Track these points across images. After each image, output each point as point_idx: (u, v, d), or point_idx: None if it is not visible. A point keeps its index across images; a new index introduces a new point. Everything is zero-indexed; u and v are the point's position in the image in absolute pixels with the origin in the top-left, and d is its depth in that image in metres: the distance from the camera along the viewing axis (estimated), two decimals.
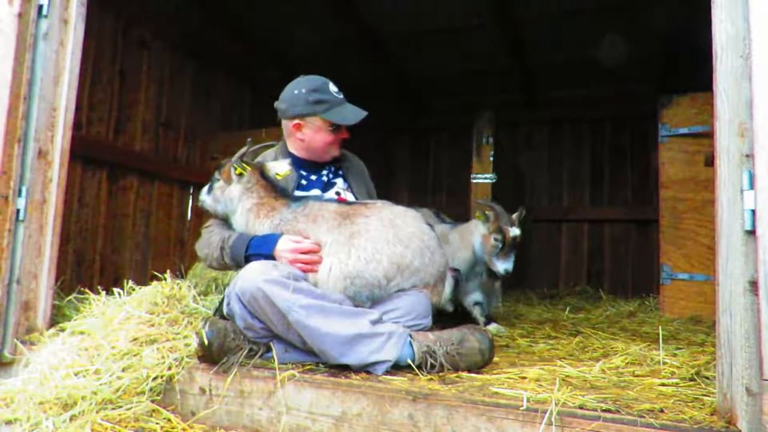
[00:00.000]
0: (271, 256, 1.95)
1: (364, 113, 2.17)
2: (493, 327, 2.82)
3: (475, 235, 2.95)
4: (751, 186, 1.34)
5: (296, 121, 2.19)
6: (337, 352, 1.73)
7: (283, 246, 1.95)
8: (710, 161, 1.67)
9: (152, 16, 3.90)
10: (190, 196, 4.26)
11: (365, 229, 1.92)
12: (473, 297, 3.03)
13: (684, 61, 4.60)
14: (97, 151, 3.46)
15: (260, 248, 1.98)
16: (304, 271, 1.93)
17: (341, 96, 2.20)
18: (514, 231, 2.85)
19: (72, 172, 3.08)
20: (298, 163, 2.27)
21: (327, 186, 2.28)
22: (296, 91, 2.17)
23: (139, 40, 3.82)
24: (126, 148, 3.71)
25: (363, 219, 1.95)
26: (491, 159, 3.85)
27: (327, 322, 1.73)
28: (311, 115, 2.16)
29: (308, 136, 2.20)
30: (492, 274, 2.97)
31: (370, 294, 1.90)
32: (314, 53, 4.90)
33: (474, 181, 3.88)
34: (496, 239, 2.82)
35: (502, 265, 2.82)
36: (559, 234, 5.90)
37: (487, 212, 2.89)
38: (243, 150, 2.14)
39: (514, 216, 2.92)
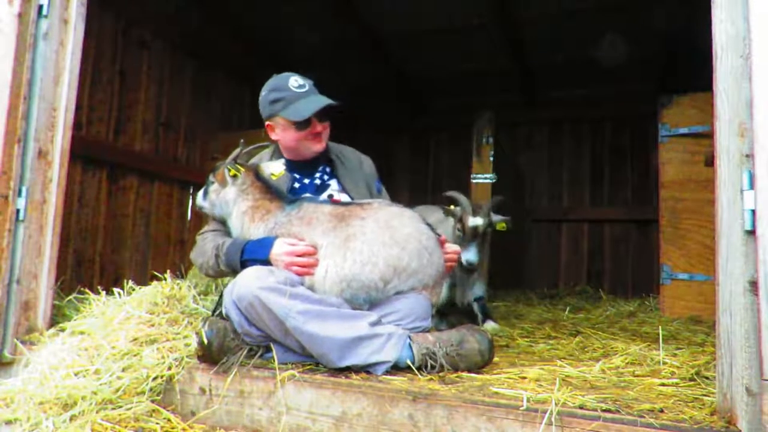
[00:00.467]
0: (266, 261, 1.92)
1: (322, 103, 2.08)
2: (489, 325, 2.81)
3: (452, 228, 2.93)
4: (751, 186, 1.34)
5: (267, 123, 2.19)
6: (337, 356, 1.72)
7: (278, 249, 1.92)
8: (710, 161, 1.67)
9: (152, 16, 3.90)
10: (190, 196, 4.26)
11: (361, 232, 1.90)
12: (474, 292, 3.01)
13: (684, 61, 4.60)
14: (97, 151, 3.46)
15: (256, 253, 1.95)
16: (300, 275, 1.90)
17: (304, 89, 2.10)
18: (474, 221, 2.77)
19: (72, 172, 3.08)
20: (288, 164, 2.23)
21: (320, 189, 2.24)
22: (263, 93, 2.16)
23: (139, 40, 3.82)
24: (126, 148, 3.71)
25: (358, 221, 1.93)
26: (491, 159, 3.85)
27: (325, 327, 1.72)
28: (274, 115, 2.14)
29: (280, 136, 2.19)
30: (463, 267, 2.84)
31: (367, 297, 1.89)
32: (314, 53, 4.90)
33: (474, 181, 3.88)
34: (458, 230, 2.80)
35: (464, 256, 2.71)
36: (559, 234, 5.90)
37: (458, 204, 2.87)
38: (236, 151, 2.10)
39: (486, 205, 2.87)
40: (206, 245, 2.11)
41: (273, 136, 2.21)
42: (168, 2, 4.06)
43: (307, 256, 1.91)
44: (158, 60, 3.99)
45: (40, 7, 2.14)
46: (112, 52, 3.59)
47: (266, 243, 1.95)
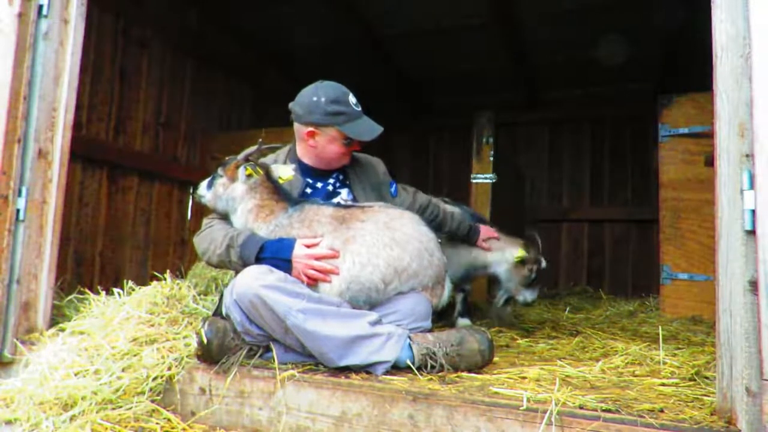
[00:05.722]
0: (288, 262, 1.90)
1: (380, 129, 2.14)
2: (463, 321, 2.85)
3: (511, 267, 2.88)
4: (751, 186, 1.34)
5: (310, 129, 2.13)
6: (336, 355, 1.72)
7: (298, 251, 1.91)
8: (710, 161, 1.67)
9: (152, 16, 3.91)
10: (190, 196, 4.26)
11: (361, 234, 1.91)
12: (467, 286, 3.02)
13: (684, 61, 4.60)
14: (97, 151, 3.46)
15: (278, 253, 1.92)
16: (317, 280, 1.89)
17: (359, 109, 2.15)
18: (544, 262, 2.79)
19: (72, 172, 3.08)
20: (304, 169, 2.23)
21: (331, 195, 2.23)
22: (315, 98, 2.10)
23: (139, 40, 3.82)
24: (126, 148, 3.71)
25: (359, 223, 1.94)
26: (491, 159, 3.86)
27: (325, 325, 1.72)
28: (327, 125, 2.11)
29: (320, 144, 2.15)
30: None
31: (367, 298, 1.89)
32: (314, 53, 4.90)
33: (474, 181, 3.88)
34: (530, 270, 2.76)
35: (529, 296, 2.79)
36: (559, 234, 5.90)
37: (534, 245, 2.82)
38: (252, 149, 2.09)
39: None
40: (216, 233, 2.06)
41: (310, 142, 2.15)
42: (168, 2, 4.06)
43: (326, 260, 1.89)
44: (158, 60, 3.99)
45: (40, 7, 2.14)
46: (112, 52, 3.59)
47: (287, 244, 1.93)
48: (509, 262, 2.75)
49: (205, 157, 4.39)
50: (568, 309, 3.67)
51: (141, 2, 3.81)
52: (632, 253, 5.58)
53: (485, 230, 2.81)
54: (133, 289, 2.26)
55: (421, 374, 1.71)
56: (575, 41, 4.58)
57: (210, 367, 1.79)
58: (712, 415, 1.39)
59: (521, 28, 4.47)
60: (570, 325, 3.03)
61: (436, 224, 2.53)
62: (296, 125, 2.19)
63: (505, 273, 2.78)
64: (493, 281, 3.02)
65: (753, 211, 1.33)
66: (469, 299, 3.07)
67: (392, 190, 2.38)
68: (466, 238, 2.76)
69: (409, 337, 1.79)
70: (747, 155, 1.36)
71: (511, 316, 3.02)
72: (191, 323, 2.10)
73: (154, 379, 1.77)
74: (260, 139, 2.14)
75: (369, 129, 2.14)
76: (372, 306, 1.90)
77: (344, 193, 2.26)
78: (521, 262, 2.71)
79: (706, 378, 1.71)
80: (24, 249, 2.09)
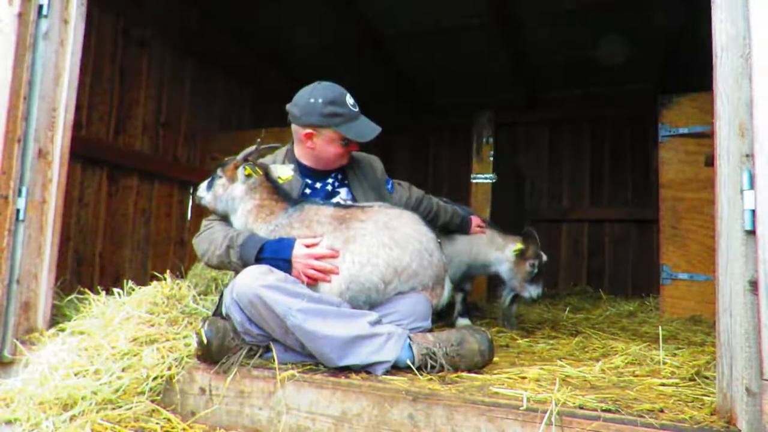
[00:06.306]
0: (287, 261, 1.91)
1: (378, 129, 2.13)
2: (462, 321, 2.88)
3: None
4: (751, 186, 1.34)
5: (308, 130, 2.12)
6: (336, 355, 1.72)
7: (298, 251, 1.91)
8: (710, 161, 1.67)
9: (152, 16, 3.90)
10: (190, 196, 4.26)
11: (361, 234, 1.91)
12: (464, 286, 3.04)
13: (684, 61, 4.60)
14: (97, 151, 3.46)
15: (277, 253, 1.92)
16: (317, 280, 1.89)
17: (357, 109, 2.14)
18: (544, 256, 2.81)
19: (72, 172, 3.08)
20: (303, 169, 2.23)
21: (330, 195, 2.23)
22: (312, 100, 2.09)
23: (139, 40, 3.82)
24: (126, 148, 3.71)
25: (359, 223, 1.94)
26: (491, 159, 3.86)
27: (325, 325, 1.72)
28: (325, 126, 2.10)
29: (318, 145, 2.14)
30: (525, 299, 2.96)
31: (367, 299, 1.89)
32: (314, 53, 4.90)
33: (474, 181, 3.88)
34: (531, 266, 2.78)
35: (534, 291, 2.80)
36: (559, 234, 5.90)
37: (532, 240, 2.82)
38: (251, 149, 2.09)
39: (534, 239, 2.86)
40: (216, 234, 2.06)
41: (308, 143, 2.15)
42: (168, 2, 4.06)
43: (326, 259, 1.90)
44: (158, 60, 3.99)
45: (40, 7, 2.14)
46: (112, 52, 3.59)
47: (287, 244, 1.94)
48: (510, 260, 2.77)
49: (205, 157, 4.39)
50: (568, 309, 3.68)
51: (141, 2, 3.81)
52: (632, 253, 5.58)
53: (475, 219, 2.86)
54: (133, 289, 2.26)
55: (421, 374, 1.71)
56: (575, 41, 4.58)
57: (210, 367, 1.79)
58: (712, 415, 1.39)
59: (521, 28, 4.47)
60: (570, 325, 3.03)
61: (431, 217, 2.56)
62: (294, 126, 2.19)
63: (507, 271, 2.81)
64: (498, 282, 3.04)
65: (753, 211, 1.33)
66: (469, 299, 3.08)
67: (389, 187, 2.39)
68: (460, 227, 2.79)
69: (409, 337, 1.79)
70: (747, 155, 1.36)
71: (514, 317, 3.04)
72: (191, 323, 2.10)
73: (154, 379, 1.77)
74: (258, 139, 2.14)
75: (367, 129, 2.13)
76: (372, 306, 1.90)
77: (343, 192, 2.26)
78: (520, 255, 2.74)
79: (706, 378, 1.71)
80: (24, 249, 2.09)
